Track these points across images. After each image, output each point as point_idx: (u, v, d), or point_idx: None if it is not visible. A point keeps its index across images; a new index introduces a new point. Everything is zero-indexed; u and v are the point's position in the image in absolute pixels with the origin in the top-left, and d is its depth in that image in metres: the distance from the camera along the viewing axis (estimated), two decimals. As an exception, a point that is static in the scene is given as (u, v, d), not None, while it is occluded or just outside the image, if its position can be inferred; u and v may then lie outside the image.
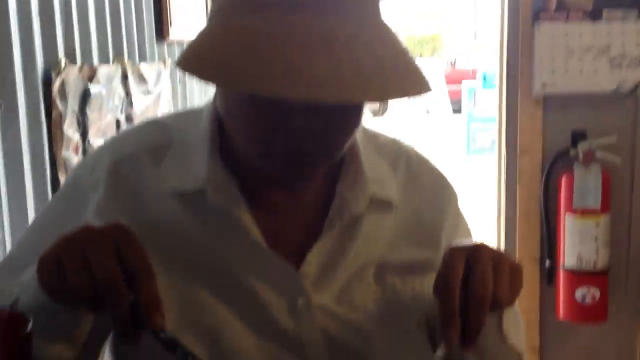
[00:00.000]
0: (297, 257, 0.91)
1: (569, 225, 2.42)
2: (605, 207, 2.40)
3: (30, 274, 0.78)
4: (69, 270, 0.71)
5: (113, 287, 0.70)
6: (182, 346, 0.73)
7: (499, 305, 0.80)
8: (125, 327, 0.72)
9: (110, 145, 0.98)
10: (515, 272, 0.81)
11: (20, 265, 0.88)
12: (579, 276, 2.41)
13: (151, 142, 0.94)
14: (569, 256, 2.42)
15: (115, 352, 0.95)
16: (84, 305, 0.74)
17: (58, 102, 1.73)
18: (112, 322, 0.72)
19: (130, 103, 2.21)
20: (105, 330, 0.90)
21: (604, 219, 2.40)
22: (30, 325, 0.70)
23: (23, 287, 0.79)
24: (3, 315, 0.70)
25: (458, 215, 1.04)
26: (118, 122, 2.12)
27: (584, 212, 2.40)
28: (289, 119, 0.78)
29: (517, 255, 2.53)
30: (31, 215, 1.58)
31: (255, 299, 0.89)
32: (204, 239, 0.90)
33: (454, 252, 0.80)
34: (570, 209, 2.41)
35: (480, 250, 0.80)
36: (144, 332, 0.73)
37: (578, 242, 2.40)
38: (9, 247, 1.51)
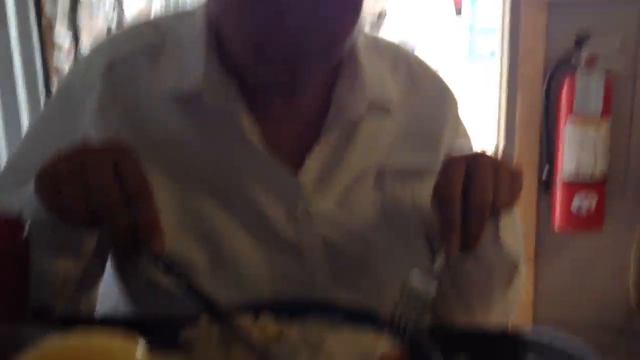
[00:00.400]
0: (296, 163, 0.91)
1: (568, 132, 2.40)
2: (606, 113, 2.38)
3: (29, 189, 0.77)
4: (67, 192, 0.70)
5: (111, 210, 0.69)
6: (180, 269, 0.73)
7: (498, 211, 0.80)
8: (124, 248, 0.71)
9: (103, 47, 0.95)
10: (515, 177, 0.80)
11: (20, 177, 0.87)
12: (576, 184, 2.41)
13: (145, 43, 0.91)
14: (567, 164, 2.41)
15: (117, 266, 0.96)
16: (83, 224, 0.73)
17: (48, 7, 1.68)
18: (111, 242, 0.72)
19: (121, 7, 2.15)
20: (109, 244, 0.90)
21: (604, 126, 2.38)
22: (26, 231, 0.69)
23: (23, 203, 0.78)
24: (0, 219, 0.70)
25: (458, 121, 1.03)
26: (109, 27, 2.07)
27: (584, 119, 2.38)
28: (285, 4, 0.75)
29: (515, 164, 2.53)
30: (24, 123, 1.57)
31: (255, 205, 0.89)
32: (203, 144, 0.89)
33: (453, 161, 0.79)
34: (570, 115, 2.39)
35: (479, 157, 0.79)
36: (143, 252, 0.72)
37: (577, 150, 2.39)
38: (4, 157, 1.50)
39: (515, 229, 0.93)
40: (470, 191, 0.77)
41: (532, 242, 2.56)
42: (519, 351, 0.75)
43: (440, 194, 0.78)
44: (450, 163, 0.79)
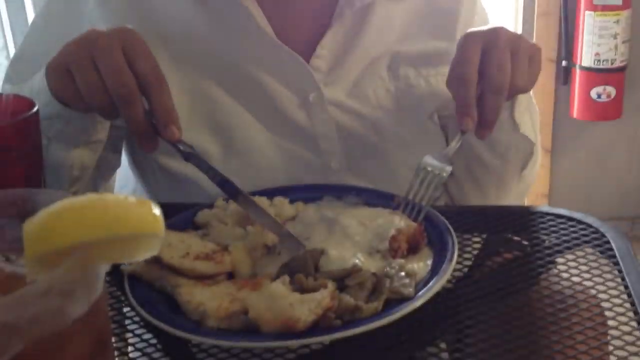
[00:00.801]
0: (308, 51, 0.89)
1: (588, 23, 2.34)
2: (627, 2, 2.31)
3: (39, 81, 0.76)
4: (81, 80, 0.69)
5: (127, 95, 0.68)
6: (199, 156, 0.73)
7: (516, 91, 0.78)
8: (142, 135, 0.71)
9: None
10: (534, 54, 0.78)
11: (28, 68, 0.86)
12: (595, 74, 2.37)
13: None
14: (586, 54, 2.36)
15: (132, 154, 0.96)
16: (99, 113, 0.73)
17: None
18: (128, 129, 0.72)
19: None
20: (123, 133, 0.90)
21: (625, 15, 2.31)
22: (36, 108, 0.69)
23: (33, 94, 0.77)
24: (9, 98, 0.70)
25: (475, 7, 0.99)
26: None
27: (605, 9, 2.31)
28: None
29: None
30: (30, 15, 1.53)
31: (267, 93, 0.88)
32: (212, 33, 0.87)
33: (469, 39, 0.77)
34: (590, 5, 2.32)
35: (496, 34, 0.76)
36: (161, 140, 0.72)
37: (597, 40, 2.33)
38: (12, 51, 1.48)
39: (532, 113, 0.91)
40: (487, 71, 0.75)
41: (550, 132, 2.55)
42: (535, 224, 0.75)
43: (456, 73, 0.76)
44: (466, 42, 0.76)
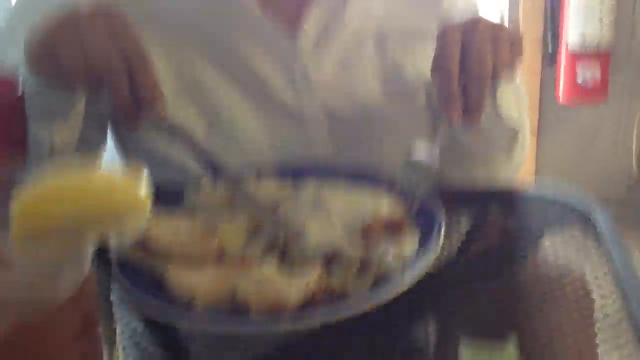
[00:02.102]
0: (294, 27, 0.89)
1: (573, 5, 2.34)
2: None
3: (15, 58, 0.75)
4: (65, 57, 0.68)
5: (111, 70, 0.68)
6: (184, 135, 0.72)
7: (499, 80, 0.78)
8: (126, 111, 0.70)
9: None
10: (515, 43, 0.77)
11: (11, 42, 0.85)
12: (581, 56, 2.37)
13: None
14: (572, 37, 2.36)
15: (118, 134, 0.95)
16: (84, 89, 0.72)
17: None
18: (113, 107, 0.71)
19: None
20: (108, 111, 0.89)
21: (610, -4, 2.32)
22: (20, 89, 0.68)
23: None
24: None
25: None
26: None
27: (590, -11, 2.32)
28: None
29: (519, 38, 2.48)
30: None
31: (253, 70, 0.88)
32: (199, 10, 0.87)
33: (449, 30, 0.76)
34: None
35: (476, 24, 0.75)
36: (144, 118, 0.71)
37: (582, 22, 2.34)
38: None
39: (518, 97, 0.91)
40: (469, 61, 0.74)
41: (536, 116, 2.56)
42: (522, 206, 0.76)
43: (438, 66, 0.76)
44: (446, 33, 0.75)
